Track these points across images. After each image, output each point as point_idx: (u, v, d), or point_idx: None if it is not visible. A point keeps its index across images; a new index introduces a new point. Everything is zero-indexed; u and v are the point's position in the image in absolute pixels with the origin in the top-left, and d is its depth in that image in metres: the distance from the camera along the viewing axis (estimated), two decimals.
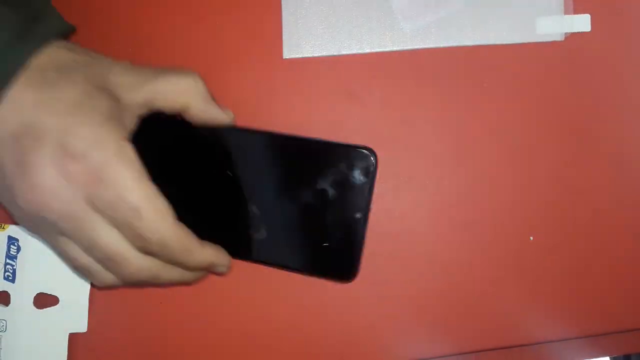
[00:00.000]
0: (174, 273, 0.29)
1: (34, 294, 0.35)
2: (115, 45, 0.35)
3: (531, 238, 0.34)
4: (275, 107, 0.35)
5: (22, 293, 0.34)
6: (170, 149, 0.32)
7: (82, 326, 0.35)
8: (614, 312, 0.34)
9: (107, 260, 0.27)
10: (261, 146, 0.32)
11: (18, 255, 0.34)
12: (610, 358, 0.64)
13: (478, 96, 0.34)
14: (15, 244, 0.34)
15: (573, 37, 0.34)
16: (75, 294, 0.35)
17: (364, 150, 0.31)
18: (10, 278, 0.34)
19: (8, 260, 0.34)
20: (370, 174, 0.31)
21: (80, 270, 0.28)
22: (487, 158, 0.34)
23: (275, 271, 0.33)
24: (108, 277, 0.28)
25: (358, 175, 0.31)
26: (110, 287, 0.29)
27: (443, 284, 0.34)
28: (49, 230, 0.27)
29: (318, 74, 0.35)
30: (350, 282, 0.32)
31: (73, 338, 0.35)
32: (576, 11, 0.34)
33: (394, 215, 0.34)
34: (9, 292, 0.34)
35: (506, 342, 0.34)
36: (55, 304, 0.35)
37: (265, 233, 0.32)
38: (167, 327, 0.35)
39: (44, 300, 0.35)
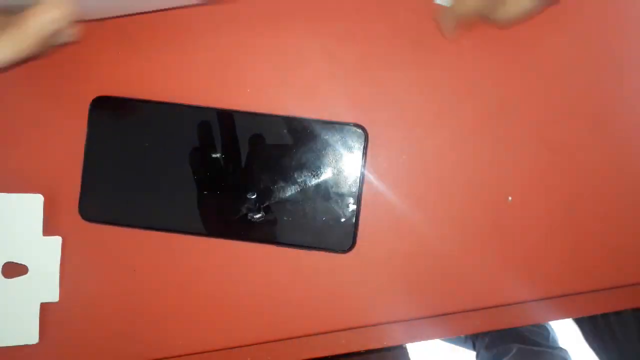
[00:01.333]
0: None
1: (2, 263, 0.33)
2: None
3: (510, 199, 0.34)
4: (254, 68, 0.34)
5: None
6: (158, 130, 0.33)
7: (53, 296, 0.34)
8: (592, 271, 0.34)
9: None
10: (255, 128, 0.33)
11: None
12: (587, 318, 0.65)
13: (456, 55, 0.34)
14: None
15: None
16: (45, 263, 0.34)
17: (355, 127, 0.33)
18: None
19: None
20: (362, 149, 0.33)
21: None
22: (466, 118, 0.34)
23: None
24: None
25: (350, 151, 0.33)
26: None
27: (419, 245, 0.34)
28: None
29: (295, 34, 0.34)
30: (347, 253, 0.33)
31: (45, 308, 0.34)
32: None
33: (371, 177, 0.34)
34: None
35: (484, 302, 0.34)
36: (25, 274, 0.34)
37: (263, 213, 0.33)
38: (140, 297, 0.35)
39: (12, 270, 0.34)
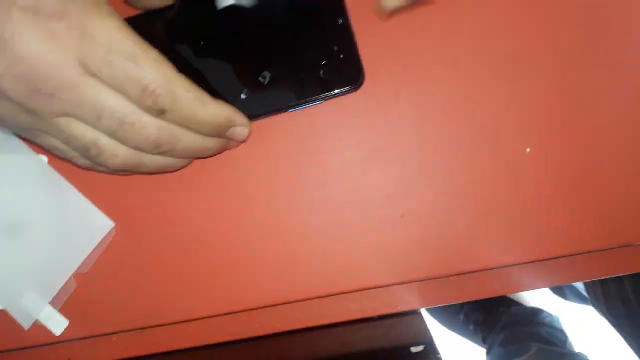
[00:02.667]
0: (190, 136, 0.27)
1: None
2: None
3: (527, 150, 0.32)
4: None
5: None
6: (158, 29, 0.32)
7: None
8: (616, 228, 0.32)
9: (117, 127, 0.25)
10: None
11: None
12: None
13: (468, 1, 0.32)
14: None
15: None
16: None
17: None
18: None
19: None
20: None
21: (87, 149, 0.26)
22: (482, 65, 0.32)
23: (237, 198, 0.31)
24: (120, 150, 0.26)
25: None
26: (121, 167, 0.28)
27: (434, 200, 0.32)
28: (45, 115, 0.24)
29: None
30: (360, 87, 0.32)
31: None
32: None
33: (381, 131, 0.32)
34: None
35: (507, 260, 0.32)
36: None
37: (269, 80, 0.32)
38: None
39: None
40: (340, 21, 0.31)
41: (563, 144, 0.32)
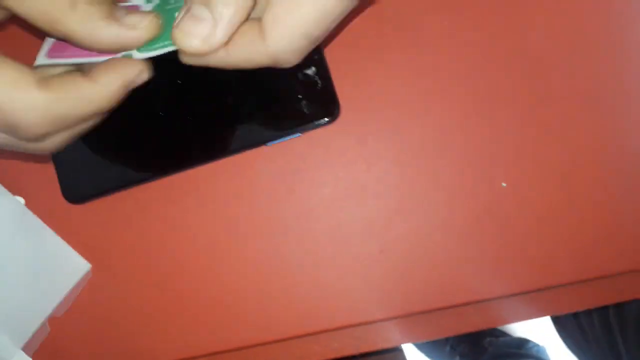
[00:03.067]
0: None
1: None
2: None
3: (504, 184, 0.32)
4: None
5: None
6: None
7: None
8: (592, 259, 0.33)
9: None
10: None
11: None
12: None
13: (441, 38, 0.33)
14: None
15: None
16: None
17: None
18: None
19: None
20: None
21: None
22: (454, 102, 0.33)
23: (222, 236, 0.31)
24: None
25: None
26: None
27: (413, 236, 0.32)
28: None
29: None
30: (336, 118, 0.32)
31: None
32: None
33: (359, 168, 0.33)
34: None
35: (480, 295, 0.32)
36: None
37: (245, 113, 0.32)
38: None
39: None
40: (315, 56, 0.32)
41: (539, 177, 0.32)
